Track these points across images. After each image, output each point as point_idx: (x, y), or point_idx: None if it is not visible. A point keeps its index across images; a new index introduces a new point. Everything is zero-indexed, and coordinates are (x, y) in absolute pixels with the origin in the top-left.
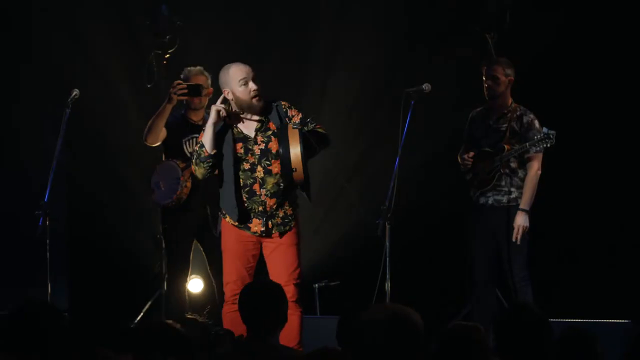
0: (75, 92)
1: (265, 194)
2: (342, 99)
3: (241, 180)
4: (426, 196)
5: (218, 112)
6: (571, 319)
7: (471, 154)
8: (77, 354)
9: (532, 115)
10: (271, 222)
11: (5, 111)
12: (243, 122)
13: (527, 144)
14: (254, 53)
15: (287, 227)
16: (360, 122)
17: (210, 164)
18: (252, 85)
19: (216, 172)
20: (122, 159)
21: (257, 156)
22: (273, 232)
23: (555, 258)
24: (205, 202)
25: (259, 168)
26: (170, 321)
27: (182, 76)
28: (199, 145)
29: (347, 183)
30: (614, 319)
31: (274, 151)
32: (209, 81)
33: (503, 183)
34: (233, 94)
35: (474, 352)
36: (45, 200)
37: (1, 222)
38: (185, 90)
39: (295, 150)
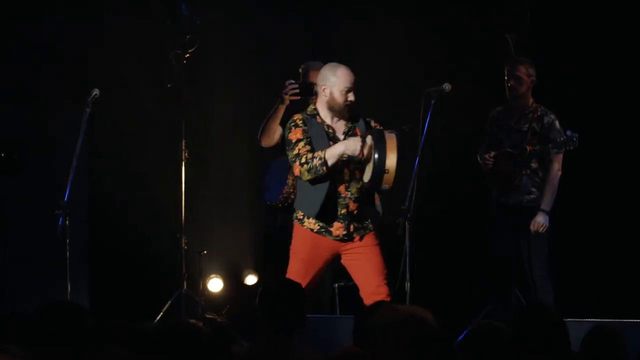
0: (96, 91)
1: (349, 197)
2: (361, 97)
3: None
4: (446, 196)
5: (361, 147)
6: (592, 318)
7: (492, 154)
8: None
9: (552, 116)
10: (353, 225)
11: (26, 111)
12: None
13: (550, 145)
14: (273, 52)
15: (367, 230)
16: (380, 120)
17: None
18: (351, 96)
19: None
20: (143, 158)
21: (344, 159)
22: (354, 235)
23: (576, 258)
24: None
25: (346, 171)
26: (193, 320)
27: (300, 70)
28: (320, 161)
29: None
30: (636, 319)
31: (357, 158)
32: None
33: (524, 183)
34: (331, 94)
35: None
36: (65, 199)
37: (23, 222)
38: (297, 90)
39: (391, 157)
